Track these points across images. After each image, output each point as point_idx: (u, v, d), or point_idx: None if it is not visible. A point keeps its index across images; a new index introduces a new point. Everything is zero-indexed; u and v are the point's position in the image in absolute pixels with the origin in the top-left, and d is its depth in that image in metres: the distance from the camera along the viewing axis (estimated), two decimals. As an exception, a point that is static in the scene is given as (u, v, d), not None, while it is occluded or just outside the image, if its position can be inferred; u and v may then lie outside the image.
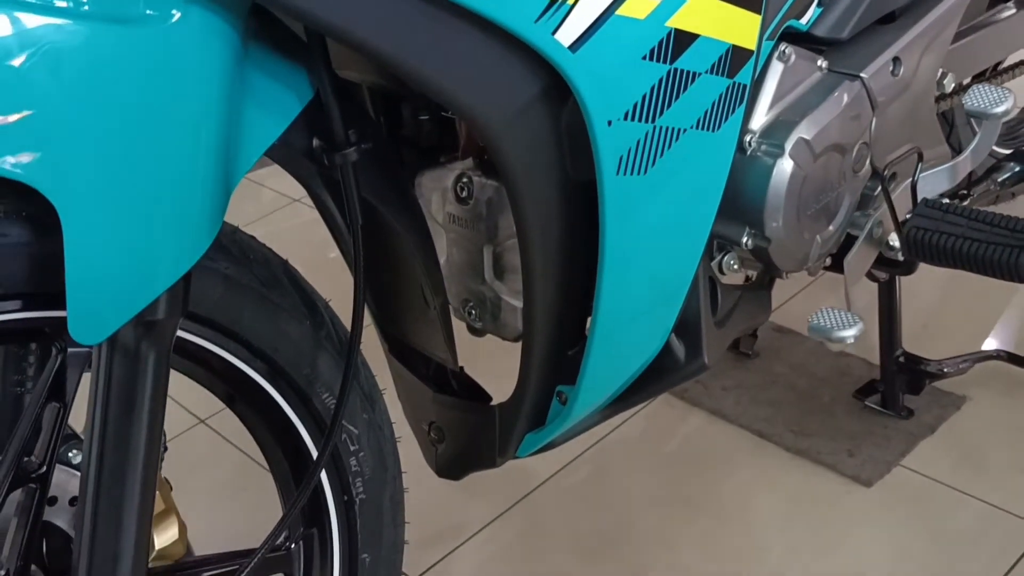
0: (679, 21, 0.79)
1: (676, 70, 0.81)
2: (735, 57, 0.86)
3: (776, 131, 1.08)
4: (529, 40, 0.73)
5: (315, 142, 0.83)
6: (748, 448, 1.49)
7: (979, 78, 1.49)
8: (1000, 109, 1.20)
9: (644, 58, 0.79)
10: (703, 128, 0.87)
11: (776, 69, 1.09)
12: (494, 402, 1.11)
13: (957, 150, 1.36)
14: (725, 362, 1.62)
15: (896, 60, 1.18)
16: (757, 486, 1.44)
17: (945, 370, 1.47)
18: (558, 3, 0.73)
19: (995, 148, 1.68)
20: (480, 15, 0.71)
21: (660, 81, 0.81)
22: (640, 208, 0.87)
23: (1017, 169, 1.42)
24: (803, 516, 1.38)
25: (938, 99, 1.27)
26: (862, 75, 1.14)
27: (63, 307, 0.69)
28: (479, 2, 0.70)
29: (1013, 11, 1.42)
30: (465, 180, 0.98)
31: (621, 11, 0.76)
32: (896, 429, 1.47)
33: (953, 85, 1.28)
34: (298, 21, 0.70)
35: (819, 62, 1.14)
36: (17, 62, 0.65)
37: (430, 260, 1.01)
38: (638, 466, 1.49)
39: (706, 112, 0.86)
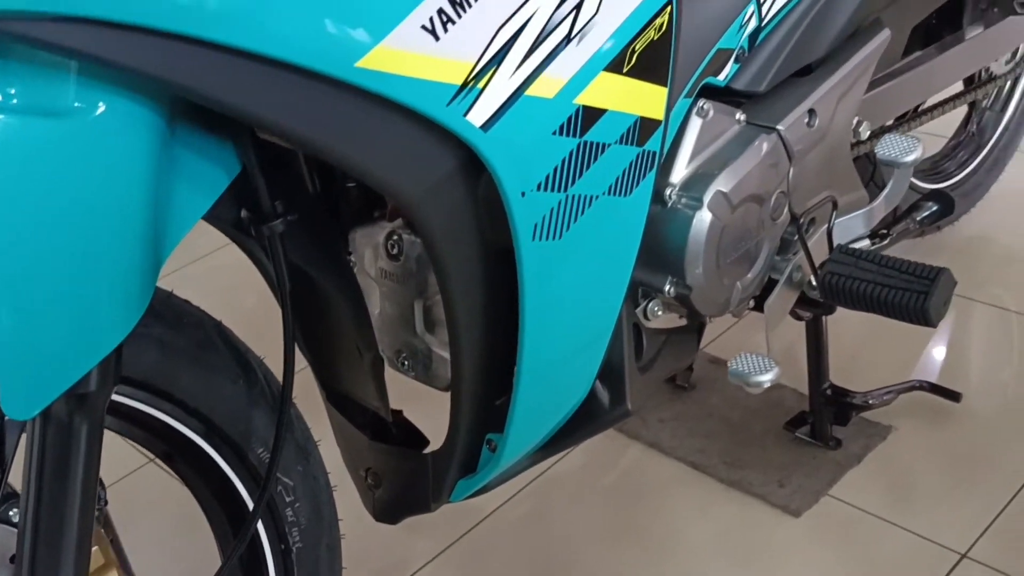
0: (587, 98, 0.84)
1: (586, 143, 0.86)
2: (643, 127, 0.90)
3: (695, 184, 1.13)
4: (442, 122, 0.78)
5: (243, 212, 0.87)
6: (684, 480, 1.54)
7: (901, 119, 1.55)
8: (910, 159, 1.26)
9: (554, 133, 0.83)
10: (615, 194, 0.91)
11: (695, 124, 1.14)
12: (431, 445, 1.16)
13: (880, 187, 1.42)
14: (662, 394, 1.66)
15: (812, 112, 1.24)
16: (693, 517, 1.48)
17: (870, 402, 1.52)
18: (468, 87, 0.77)
19: (920, 184, 1.75)
20: (394, 101, 0.75)
21: (571, 153, 0.85)
22: (557, 269, 0.92)
23: (936, 208, 1.48)
24: (736, 547, 1.43)
25: (854, 146, 1.33)
26: (779, 127, 1.20)
27: None
28: (393, 89, 0.74)
29: (930, 56, 1.48)
30: (395, 238, 1.02)
31: (530, 91, 0.80)
32: (824, 459, 1.52)
33: (868, 133, 1.34)
34: (215, 110, 0.74)
35: (737, 115, 1.19)
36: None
37: (361, 316, 1.05)
38: (579, 499, 1.54)
39: (617, 179, 0.91)
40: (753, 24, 1.18)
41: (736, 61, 1.18)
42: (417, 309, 1.05)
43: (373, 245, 1.05)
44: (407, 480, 1.13)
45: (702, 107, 1.13)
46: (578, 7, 0.81)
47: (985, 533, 1.38)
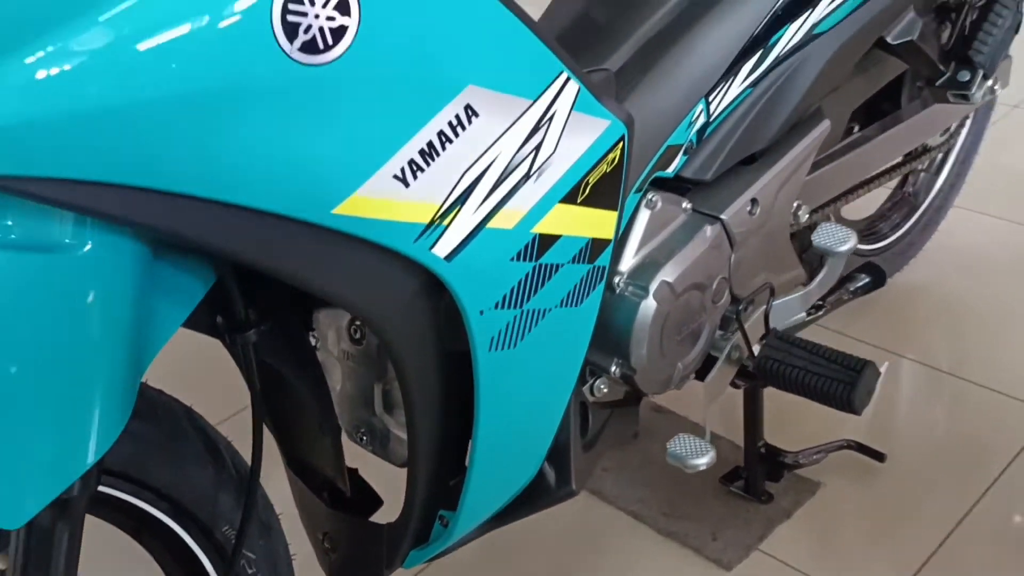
0: (543, 227, 0.91)
1: (541, 265, 0.93)
2: (595, 247, 0.97)
3: (642, 273, 1.20)
4: (408, 255, 0.84)
5: (218, 319, 0.93)
6: (624, 529, 1.61)
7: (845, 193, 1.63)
8: (844, 248, 1.34)
9: (512, 259, 0.90)
10: (567, 305, 0.98)
11: (643, 215, 1.21)
12: (385, 504, 1.22)
13: (820, 259, 1.50)
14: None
15: (754, 200, 1.31)
16: (630, 567, 1.56)
17: (800, 460, 1.61)
18: (434, 225, 0.83)
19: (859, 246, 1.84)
20: (365, 240, 0.81)
21: (527, 275, 0.92)
22: (510, 373, 0.98)
23: (868, 280, 1.57)
24: (669, 596, 1.51)
25: (792, 230, 1.41)
26: (722, 216, 1.27)
27: None
28: (365, 230, 0.80)
29: (867, 139, 1.57)
30: (358, 323, 1.08)
31: (491, 224, 0.87)
32: (756, 513, 1.61)
33: (807, 216, 1.42)
34: (198, 250, 0.79)
35: (684, 204, 1.26)
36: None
37: (322, 394, 1.11)
38: (524, 545, 1.61)
39: (569, 293, 0.98)
40: (701, 120, 1.25)
41: (684, 154, 1.25)
42: (377, 390, 1.12)
43: (336, 328, 1.10)
44: (362, 546, 1.19)
45: (651, 199, 1.20)
46: (537, 148, 0.87)
47: (904, 590, 1.48)
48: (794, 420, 1.72)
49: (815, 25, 1.30)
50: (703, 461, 1.22)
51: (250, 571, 1.07)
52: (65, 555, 0.84)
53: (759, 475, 1.61)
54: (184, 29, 0.66)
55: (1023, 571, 1.49)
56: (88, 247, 0.76)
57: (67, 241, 0.76)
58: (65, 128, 0.66)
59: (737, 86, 1.27)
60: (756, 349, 1.38)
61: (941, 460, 1.69)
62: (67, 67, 0.64)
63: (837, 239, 1.34)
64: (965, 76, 1.49)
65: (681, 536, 1.59)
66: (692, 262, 1.23)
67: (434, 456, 1.06)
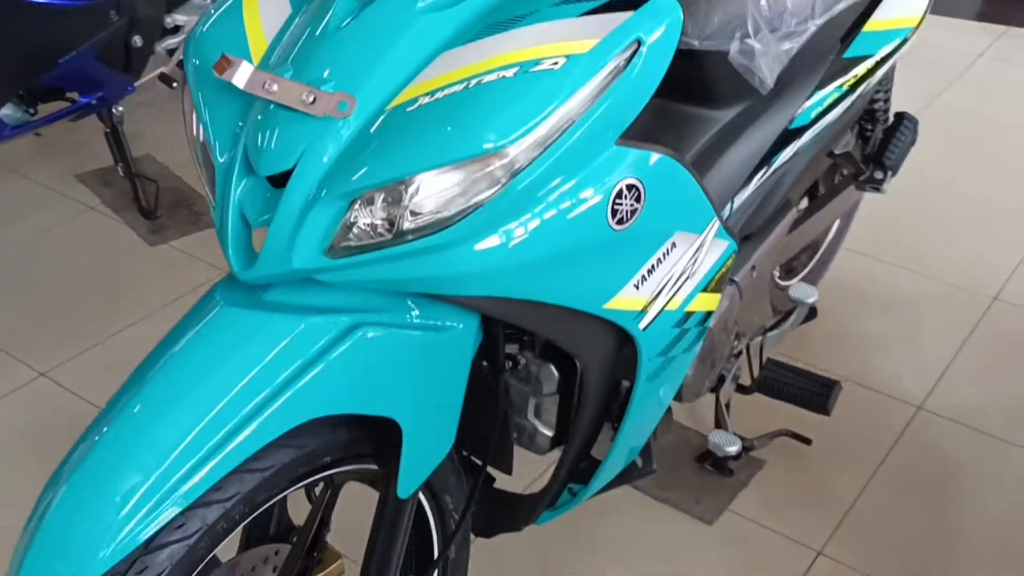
0: (690, 307, 1.45)
1: (684, 329, 1.47)
2: (707, 316, 1.53)
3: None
4: (626, 329, 1.37)
5: (483, 363, 1.42)
6: (627, 499, 2.17)
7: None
8: (810, 301, 1.94)
9: (672, 327, 1.44)
10: (686, 352, 1.54)
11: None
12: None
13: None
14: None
15: (753, 267, 1.89)
16: (636, 526, 2.12)
17: (754, 444, 2.21)
18: (644, 311, 1.37)
19: (779, 281, 2.45)
20: (609, 320, 1.34)
21: (676, 336, 1.46)
22: (649, 397, 1.52)
23: (806, 315, 2.18)
24: (667, 547, 2.08)
25: (772, 286, 2.00)
26: (736, 279, 1.84)
27: None
28: (613, 316, 1.33)
29: (809, 215, 2.17)
30: (524, 359, 1.59)
31: (667, 308, 1.41)
32: (724, 484, 2.20)
33: (779, 277, 2.01)
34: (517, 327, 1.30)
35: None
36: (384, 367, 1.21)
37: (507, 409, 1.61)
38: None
39: (690, 344, 1.53)
40: (726, 214, 1.82)
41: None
42: (531, 402, 1.63)
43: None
44: (505, 510, 1.70)
45: None
46: (694, 261, 1.42)
47: (833, 535, 2.10)
48: (746, 417, 2.33)
49: (799, 148, 1.88)
50: (734, 449, 1.80)
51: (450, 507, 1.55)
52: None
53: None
54: (569, 213, 1.17)
55: (920, 516, 2.14)
56: (460, 327, 1.26)
57: (447, 323, 1.25)
58: (501, 272, 1.16)
59: (750, 189, 1.83)
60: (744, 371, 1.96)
61: (846, 442, 2.32)
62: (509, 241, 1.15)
63: (806, 293, 1.94)
64: (879, 175, 2.12)
65: (672, 502, 2.16)
66: (722, 311, 1.80)
67: (580, 449, 1.58)
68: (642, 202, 1.25)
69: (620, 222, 1.23)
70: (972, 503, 2.18)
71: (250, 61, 1.18)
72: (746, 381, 2.00)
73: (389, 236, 1.12)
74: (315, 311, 1.18)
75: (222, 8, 1.26)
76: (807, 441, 2.25)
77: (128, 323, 2.63)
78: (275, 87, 1.14)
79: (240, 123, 1.17)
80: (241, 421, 1.12)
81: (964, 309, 2.70)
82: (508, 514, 1.69)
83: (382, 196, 1.11)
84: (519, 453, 1.66)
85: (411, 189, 1.10)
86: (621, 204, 1.22)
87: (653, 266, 1.33)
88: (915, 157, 2.42)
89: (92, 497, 1.10)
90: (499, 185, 1.11)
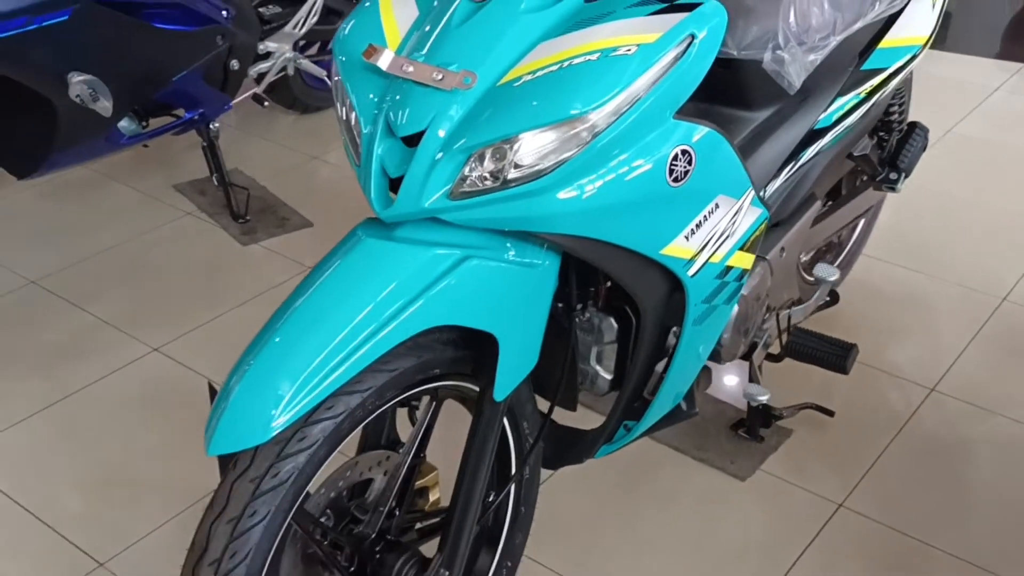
0: (731, 262, 1.77)
1: (724, 282, 1.79)
2: (743, 273, 1.84)
3: (730, 289, 2.08)
4: (677, 274, 1.68)
5: (558, 306, 1.74)
6: (669, 459, 2.46)
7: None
8: (832, 279, 2.24)
9: (715, 278, 1.76)
10: (727, 304, 1.85)
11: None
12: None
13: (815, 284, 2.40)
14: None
15: (783, 248, 2.20)
16: (678, 482, 2.41)
17: (784, 414, 2.50)
18: (692, 260, 1.68)
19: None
20: (664, 265, 1.65)
21: (717, 287, 1.78)
22: (695, 341, 1.83)
23: (828, 300, 2.48)
24: (707, 500, 2.37)
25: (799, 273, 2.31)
26: (767, 258, 2.15)
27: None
28: (667, 262, 1.64)
29: (835, 210, 2.48)
30: (588, 313, 1.90)
31: (711, 260, 1.72)
32: (756, 448, 2.49)
33: (806, 260, 2.31)
34: (593, 265, 1.62)
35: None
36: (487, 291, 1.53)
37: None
38: (604, 470, 2.43)
39: (728, 297, 1.84)
40: (760, 200, 2.13)
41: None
42: (594, 350, 1.93)
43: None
44: (568, 444, 2.00)
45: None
46: (734, 221, 1.73)
47: (853, 491, 2.38)
48: (775, 391, 2.62)
49: (822, 147, 2.20)
50: (764, 397, 2.10)
51: (526, 432, 1.85)
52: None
53: (756, 424, 2.50)
54: (636, 169, 1.50)
55: (932, 478, 2.42)
56: (546, 263, 1.58)
57: (535, 261, 1.58)
58: (583, 214, 1.49)
59: (780, 180, 2.15)
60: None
61: (865, 416, 2.61)
62: (590, 189, 1.47)
63: (828, 273, 2.25)
64: (894, 176, 2.43)
65: (709, 461, 2.46)
66: (754, 285, 2.11)
67: (634, 390, 1.89)
68: (693, 165, 1.57)
69: (676, 180, 1.55)
70: (979, 470, 2.45)
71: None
72: (775, 351, 2.30)
73: (497, 183, 1.45)
74: (436, 245, 1.50)
75: (360, 12, 1.61)
76: (830, 413, 2.54)
77: (226, 309, 2.97)
78: (411, 68, 1.48)
79: (378, 99, 1.51)
80: (377, 327, 1.44)
81: (975, 307, 2.99)
82: (571, 448, 1.99)
83: (492, 151, 1.44)
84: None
85: (515, 146, 1.43)
86: (676, 165, 1.54)
87: (700, 222, 1.65)
88: (931, 175, 2.71)
89: (266, 381, 1.42)
90: (583, 144, 1.44)
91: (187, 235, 3.36)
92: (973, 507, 2.35)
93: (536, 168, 1.44)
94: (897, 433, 2.56)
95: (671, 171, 1.54)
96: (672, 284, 1.73)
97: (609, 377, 1.93)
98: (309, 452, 1.44)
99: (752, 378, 2.20)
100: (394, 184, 1.51)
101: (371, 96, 1.52)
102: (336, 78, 1.60)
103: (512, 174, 1.45)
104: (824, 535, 2.28)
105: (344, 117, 1.58)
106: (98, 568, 2.19)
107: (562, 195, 1.47)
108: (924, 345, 2.84)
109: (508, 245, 1.56)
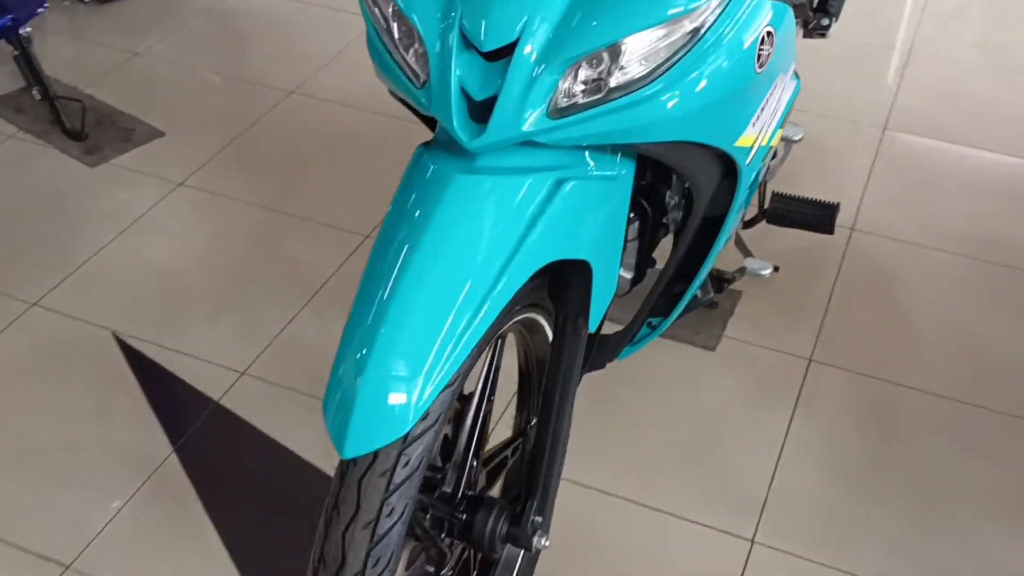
0: (774, 141, 1.68)
1: (764, 163, 1.69)
2: (774, 151, 1.75)
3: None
4: (737, 163, 1.57)
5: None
6: (635, 338, 2.41)
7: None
8: (798, 137, 2.19)
9: (761, 160, 1.66)
10: (761, 177, 1.76)
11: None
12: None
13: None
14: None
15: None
16: (652, 361, 2.36)
17: (735, 276, 2.47)
18: (751, 147, 1.57)
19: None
20: (730, 156, 1.54)
21: (761, 167, 1.68)
22: (731, 227, 1.74)
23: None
24: (681, 371, 2.33)
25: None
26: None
27: None
28: (737, 153, 1.52)
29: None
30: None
31: (761, 143, 1.62)
32: (714, 315, 2.46)
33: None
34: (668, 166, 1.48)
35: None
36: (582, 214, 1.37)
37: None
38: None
39: (760, 171, 1.76)
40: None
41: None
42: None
43: None
44: (594, 350, 1.88)
45: None
46: (778, 100, 1.63)
47: (817, 342, 2.41)
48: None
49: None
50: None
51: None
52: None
53: (709, 291, 2.46)
54: (734, 61, 1.36)
55: (880, 312, 2.47)
56: (624, 172, 1.43)
57: (616, 172, 1.42)
58: (685, 117, 1.34)
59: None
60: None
61: (803, 265, 2.63)
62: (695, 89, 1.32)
63: (794, 132, 2.19)
64: (825, 22, 2.38)
65: (677, 337, 2.41)
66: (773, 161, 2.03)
67: (668, 283, 1.79)
68: (773, 46, 1.44)
69: (761, 65, 1.42)
70: (918, 302, 2.54)
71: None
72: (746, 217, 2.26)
73: (600, 96, 1.27)
74: (527, 172, 1.32)
75: None
76: (776, 269, 2.54)
77: (101, 244, 2.61)
78: (488, -34, 1.25)
79: (443, 7, 1.28)
80: (492, 282, 1.27)
81: (865, 141, 3.05)
82: (596, 353, 1.88)
83: (594, 60, 1.26)
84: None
85: (621, 51, 1.25)
86: (763, 49, 1.41)
87: (764, 105, 1.54)
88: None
89: (391, 366, 1.22)
90: (691, 41, 1.28)
91: (19, 163, 2.90)
92: (923, 340, 2.43)
93: (642, 74, 1.28)
94: (836, 279, 2.60)
95: (759, 56, 1.41)
96: (725, 172, 1.62)
97: (630, 276, 1.81)
98: (435, 429, 1.26)
99: (743, 250, 2.14)
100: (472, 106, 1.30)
101: (432, 7, 1.29)
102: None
103: (615, 82, 1.27)
104: (806, 393, 2.30)
105: (384, 25, 1.33)
106: (67, 571, 1.92)
107: (668, 100, 1.31)
108: (830, 187, 2.88)
109: (587, 158, 1.39)
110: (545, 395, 1.52)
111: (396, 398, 1.19)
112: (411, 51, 1.32)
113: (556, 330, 1.52)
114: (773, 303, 2.53)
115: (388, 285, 1.25)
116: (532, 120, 1.27)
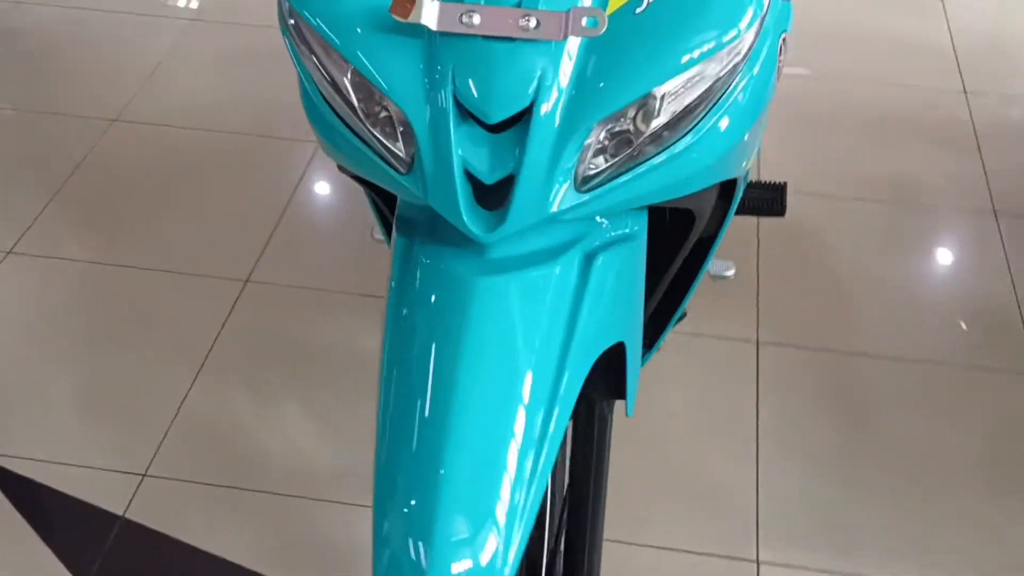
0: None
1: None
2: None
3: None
4: (739, 187, 1.36)
5: None
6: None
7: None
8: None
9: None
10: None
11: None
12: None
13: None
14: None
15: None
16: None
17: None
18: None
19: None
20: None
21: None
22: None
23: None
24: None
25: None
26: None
27: None
28: (739, 170, 1.31)
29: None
30: None
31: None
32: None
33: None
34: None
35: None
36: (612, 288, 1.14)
37: None
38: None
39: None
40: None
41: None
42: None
43: None
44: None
45: None
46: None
47: (759, 325, 2.26)
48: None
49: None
50: (731, 272, 1.87)
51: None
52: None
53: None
54: (764, 84, 1.14)
55: (815, 287, 2.35)
56: (637, 228, 1.20)
57: (630, 229, 1.19)
58: (719, 159, 1.12)
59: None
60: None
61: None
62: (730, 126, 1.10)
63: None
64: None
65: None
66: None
67: (651, 316, 1.58)
68: (785, 53, 1.24)
69: (777, 79, 1.22)
70: (842, 259, 2.43)
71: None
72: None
73: (630, 155, 1.04)
74: (552, 254, 1.08)
75: None
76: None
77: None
78: (476, 19, 0.98)
79: (427, 74, 1.00)
80: (549, 404, 1.04)
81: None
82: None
83: (623, 115, 1.02)
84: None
85: (655, 101, 1.02)
86: (781, 60, 1.21)
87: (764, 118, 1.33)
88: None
89: (461, 530, 0.97)
90: (729, 75, 1.06)
91: None
92: (857, 301, 2.33)
93: (682, 120, 1.05)
94: (758, 250, 2.46)
95: (778, 69, 1.20)
96: (722, 190, 1.41)
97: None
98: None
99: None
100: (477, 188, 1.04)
101: (409, 71, 1.01)
102: (301, 47, 1.06)
103: (649, 137, 1.04)
104: (764, 381, 2.16)
105: (349, 100, 1.05)
106: None
107: (709, 146, 1.09)
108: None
109: (600, 220, 1.16)
110: (578, 486, 1.30)
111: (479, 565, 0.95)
112: (379, 125, 1.04)
113: (593, 418, 1.29)
114: (704, 289, 2.36)
115: (430, 420, 0.99)
116: (560, 197, 1.02)
